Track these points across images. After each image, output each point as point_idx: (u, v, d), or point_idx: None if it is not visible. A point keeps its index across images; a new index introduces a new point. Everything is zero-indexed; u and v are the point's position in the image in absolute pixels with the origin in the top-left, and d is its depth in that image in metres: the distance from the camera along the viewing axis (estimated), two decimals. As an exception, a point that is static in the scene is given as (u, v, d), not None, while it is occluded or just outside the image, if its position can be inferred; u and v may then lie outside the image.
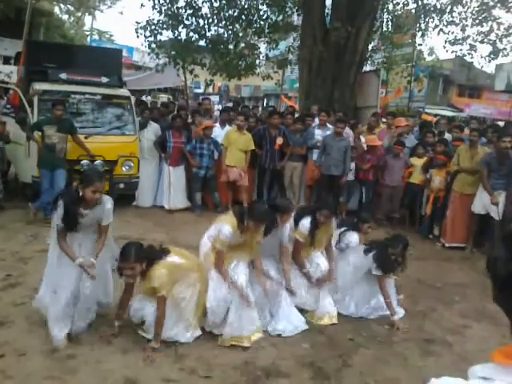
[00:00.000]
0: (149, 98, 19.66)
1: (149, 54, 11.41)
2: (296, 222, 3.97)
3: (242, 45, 11.12)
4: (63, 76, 7.00)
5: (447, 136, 7.67)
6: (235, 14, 10.52)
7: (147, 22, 10.52)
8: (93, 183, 3.21)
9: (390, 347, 3.66)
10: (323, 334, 3.75)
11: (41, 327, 3.50)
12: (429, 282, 5.11)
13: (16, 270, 4.52)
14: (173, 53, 10.64)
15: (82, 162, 6.50)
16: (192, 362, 3.21)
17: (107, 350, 3.28)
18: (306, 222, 3.94)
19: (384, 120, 8.52)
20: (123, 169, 6.80)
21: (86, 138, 6.54)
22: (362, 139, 7.40)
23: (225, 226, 3.50)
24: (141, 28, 10.54)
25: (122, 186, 6.74)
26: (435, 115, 18.80)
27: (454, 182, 6.38)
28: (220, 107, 15.66)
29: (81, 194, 3.23)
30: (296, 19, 12.25)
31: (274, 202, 4.14)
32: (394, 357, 3.52)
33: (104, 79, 7.27)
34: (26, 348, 3.21)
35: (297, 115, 8.47)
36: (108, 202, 3.42)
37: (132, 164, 6.86)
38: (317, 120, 7.61)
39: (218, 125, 7.48)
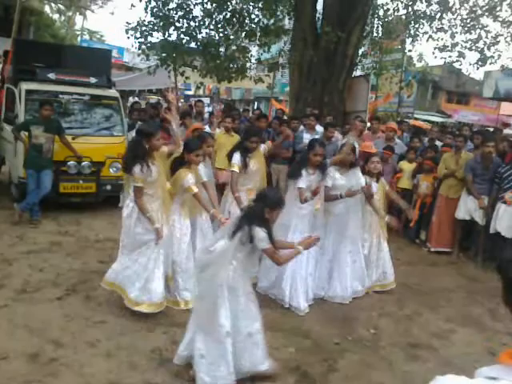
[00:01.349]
0: (136, 98, 19.53)
1: (139, 55, 11.34)
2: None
3: (234, 48, 11.11)
4: (51, 76, 6.95)
5: (438, 143, 7.72)
6: (227, 16, 10.52)
7: (138, 23, 10.45)
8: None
9: (375, 351, 3.66)
10: (309, 338, 3.74)
11: (23, 330, 3.45)
12: (415, 286, 5.13)
13: (0, 271, 4.45)
14: (163, 54, 10.58)
15: (68, 163, 6.45)
16: (177, 365, 3.18)
17: (90, 353, 3.24)
18: (236, 156, 4.56)
19: (369, 124, 8.56)
20: (111, 170, 6.74)
21: (73, 138, 6.49)
22: (356, 145, 7.39)
23: (184, 179, 3.93)
24: (131, 29, 10.48)
25: (109, 187, 6.68)
26: (423, 121, 18.98)
27: (441, 187, 6.45)
28: (210, 109, 15.61)
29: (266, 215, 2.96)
30: (287, 23, 12.28)
31: (187, 140, 4.47)
32: (379, 361, 3.52)
33: (93, 79, 7.23)
34: (8, 351, 3.16)
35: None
36: None
37: (119, 166, 6.79)
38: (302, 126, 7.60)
39: (207, 127, 7.45)
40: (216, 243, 3.00)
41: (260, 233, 2.85)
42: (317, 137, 7.16)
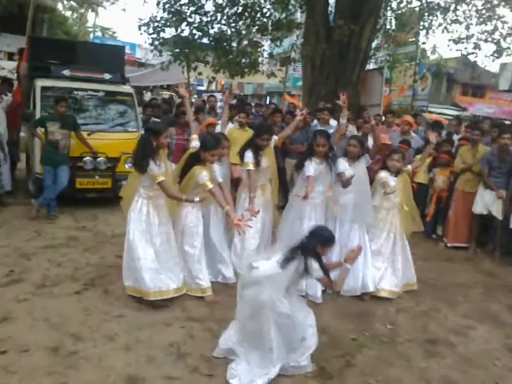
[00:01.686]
0: (149, 94, 19.59)
1: (151, 51, 11.37)
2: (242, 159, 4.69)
3: (245, 42, 11.07)
4: (66, 72, 7.01)
5: (455, 138, 7.62)
6: (238, 11, 10.49)
7: (150, 19, 10.48)
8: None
9: (393, 347, 3.64)
10: (326, 333, 3.73)
11: (43, 323, 3.51)
12: (432, 282, 5.08)
13: (19, 266, 4.53)
14: (176, 50, 10.60)
15: (84, 159, 6.51)
16: (194, 360, 3.21)
17: (109, 347, 3.28)
18: (249, 154, 4.62)
19: (384, 118, 8.48)
20: (126, 166, 6.76)
21: (88, 134, 6.54)
22: (369, 139, 7.33)
23: (199, 176, 3.96)
24: (144, 25, 10.52)
25: (124, 182, 6.72)
26: (438, 114, 18.72)
27: (457, 181, 6.37)
28: (223, 104, 15.58)
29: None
30: (299, 17, 12.20)
31: (205, 138, 4.41)
32: (396, 357, 3.50)
33: (107, 76, 7.28)
34: (29, 344, 3.21)
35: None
36: None
37: (134, 161, 6.84)
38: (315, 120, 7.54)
39: (220, 122, 7.45)
40: (260, 260, 3.18)
41: (314, 264, 3.12)
42: (331, 131, 7.13)
